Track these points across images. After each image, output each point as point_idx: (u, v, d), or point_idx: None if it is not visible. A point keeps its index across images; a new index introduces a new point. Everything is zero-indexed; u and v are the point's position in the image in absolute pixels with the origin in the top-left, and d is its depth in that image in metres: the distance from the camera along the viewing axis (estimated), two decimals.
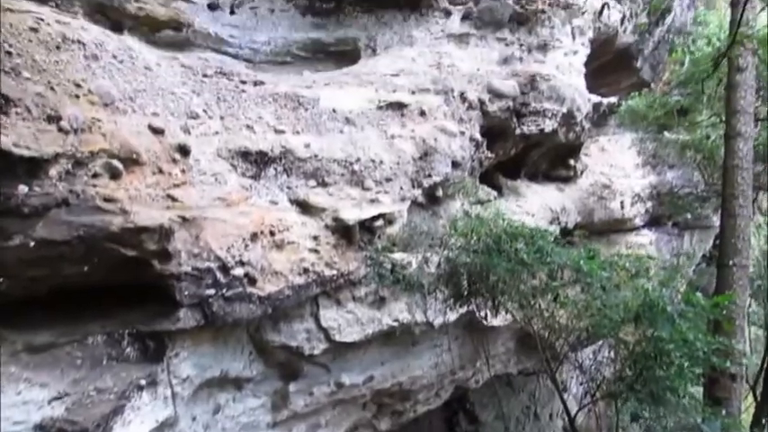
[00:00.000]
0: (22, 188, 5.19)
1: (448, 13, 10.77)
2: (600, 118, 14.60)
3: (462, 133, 10.31)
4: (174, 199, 6.71)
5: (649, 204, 15.69)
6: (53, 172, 5.48)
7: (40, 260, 5.52)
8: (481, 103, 10.74)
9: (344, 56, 10.64)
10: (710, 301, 5.78)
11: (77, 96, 5.91)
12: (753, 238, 13.33)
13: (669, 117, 12.75)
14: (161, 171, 6.71)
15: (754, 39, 8.06)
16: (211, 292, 6.90)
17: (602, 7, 7.87)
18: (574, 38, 12.06)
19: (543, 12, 11.21)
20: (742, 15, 5.11)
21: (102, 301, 6.68)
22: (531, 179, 13.89)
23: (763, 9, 9.86)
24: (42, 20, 5.92)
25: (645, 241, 16.04)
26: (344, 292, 8.86)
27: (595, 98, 13.10)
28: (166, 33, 8.33)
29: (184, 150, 7.03)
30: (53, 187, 5.48)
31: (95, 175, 5.94)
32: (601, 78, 14.46)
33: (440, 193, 10.15)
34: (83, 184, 5.75)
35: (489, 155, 11.23)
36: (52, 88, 5.66)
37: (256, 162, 7.95)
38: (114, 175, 6.13)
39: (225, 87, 8.12)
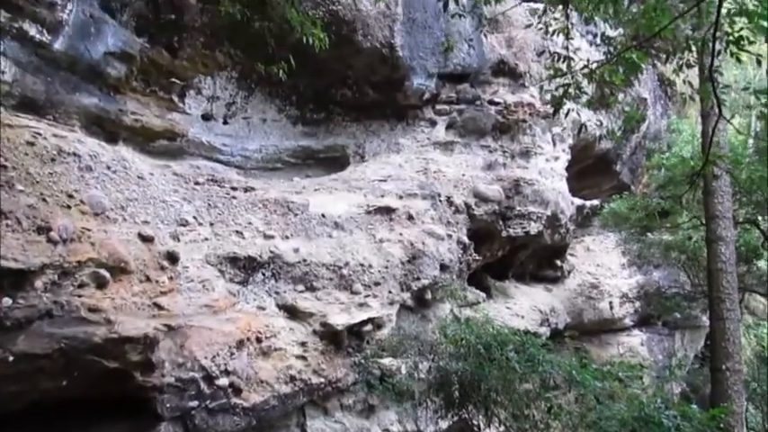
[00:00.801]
0: (6, 300, 5.11)
1: (433, 123, 11.25)
2: (584, 219, 14.93)
3: (450, 236, 10.46)
4: (160, 307, 6.64)
5: (638, 304, 15.70)
6: (39, 283, 5.43)
7: (18, 375, 5.33)
8: (468, 207, 10.99)
9: (334, 162, 10.96)
10: (707, 415, 5.64)
11: (69, 207, 5.98)
12: (744, 339, 13.26)
13: (651, 219, 13.05)
14: (148, 279, 6.69)
15: (726, 158, 8.46)
16: (194, 404, 6.65)
17: (581, 127, 8.30)
18: (555, 144, 12.57)
19: (524, 121, 11.75)
20: (713, 135, 5.43)
21: (79, 416, 6.39)
22: (519, 280, 13.94)
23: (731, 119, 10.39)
24: (39, 134, 6.09)
25: (636, 342, 15.89)
26: (332, 400, 8.58)
27: (578, 201, 13.46)
28: (161, 143, 8.56)
29: (173, 257, 7.05)
30: (38, 299, 5.41)
31: (81, 285, 5.90)
32: (582, 181, 14.93)
33: (428, 296, 10.12)
34: (68, 294, 5.70)
35: (477, 257, 11.33)
36: (44, 199, 5.73)
37: (245, 267, 7.96)
38: (101, 284, 6.09)
39: (216, 194, 8.28)
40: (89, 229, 6.02)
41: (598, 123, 13.04)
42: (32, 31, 6.58)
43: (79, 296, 5.78)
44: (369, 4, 9.23)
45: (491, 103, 11.52)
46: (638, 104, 13.90)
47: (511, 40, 11.71)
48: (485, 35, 11.15)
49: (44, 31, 6.69)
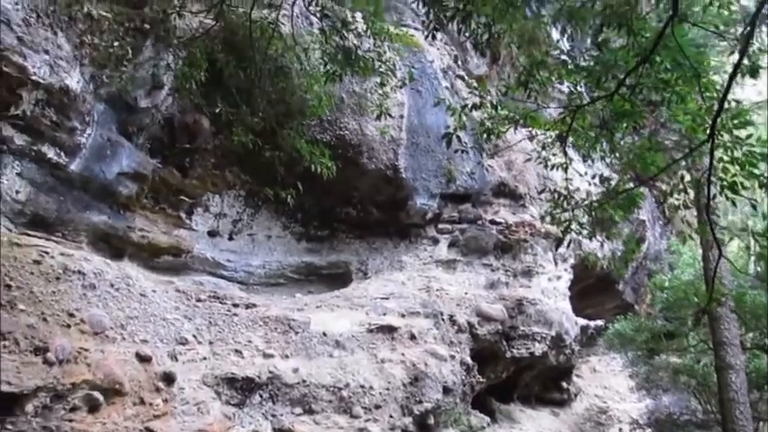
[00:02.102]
0: None
1: (435, 241, 11.38)
2: (588, 340, 14.65)
3: (453, 357, 10.22)
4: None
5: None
6: (30, 407, 5.26)
7: None
8: (470, 326, 10.84)
9: (336, 278, 10.97)
10: None
11: (69, 326, 5.92)
12: None
13: (657, 341, 12.81)
14: (142, 401, 6.48)
15: (729, 295, 8.50)
16: None
17: (583, 259, 8.46)
18: (556, 264, 12.62)
19: (525, 240, 11.88)
20: (715, 274, 5.49)
21: None
22: (525, 403, 13.43)
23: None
24: (47, 252, 6.16)
25: None
26: None
27: (582, 321, 13.29)
28: (166, 259, 8.64)
29: (169, 378, 6.87)
30: (27, 424, 5.23)
31: (73, 409, 5.72)
32: (585, 300, 14.81)
33: (431, 420, 9.70)
34: (59, 419, 5.51)
35: (480, 379, 11.00)
36: (45, 319, 5.68)
37: (242, 389, 7.72)
38: (93, 407, 5.91)
39: (217, 311, 8.22)
40: (86, 349, 5.93)
41: (599, 243, 13.16)
42: (51, 153, 6.87)
43: (70, 420, 5.59)
44: (374, 129, 9.66)
45: (492, 222, 11.72)
46: (637, 227, 14.11)
47: (510, 164, 12.13)
48: (486, 159, 11.57)
49: (62, 154, 6.98)
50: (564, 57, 5.78)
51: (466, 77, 12.39)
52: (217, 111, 6.98)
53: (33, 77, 6.50)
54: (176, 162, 8.51)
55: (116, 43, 6.71)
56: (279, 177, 7.11)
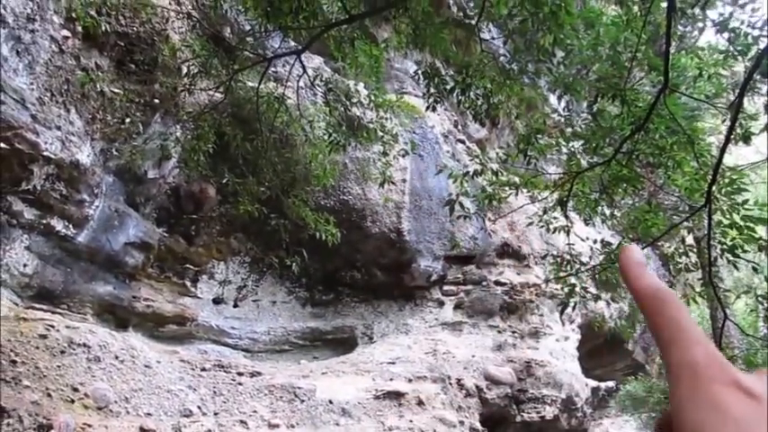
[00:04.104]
0: None
1: (441, 303, 11.32)
2: (600, 402, 14.28)
3: (462, 423, 9.98)
4: None
5: None
6: None
7: None
8: (479, 390, 10.63)
9: (342, 343, 10.85)
10: None
11: (73, 401, 5.84)
12: None
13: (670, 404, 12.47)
14: None
15: (738, 358, 8.39)
16: None
17: (589, 323, 8.43)
18: (563, 324, 12.48)
19: (531, 301, 11.81)
20: (721, 336, 5.44)
21: None
22: None
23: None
24: (53, 326, 6.15)
25: None
26: None
27: (593, 383, 13.01)
28: (170, 327, 8.60)
29: None
30: None
31: None
32: (595, 360, 14.56)
33: None
34: None
35: None
36: (49, 395, 5.62)
37: None
38: None
39: (222, 381, 8.10)
40: (90, 425, 5.82)
41: (605, 303, 13.07)
42: (59, 226, 6.97)
43: None
44: (377, 193, 9.80)
45: (497, 283, 11.69)
46: None
47: (513, 225, 12.20)
48: (489, 221, 11.65)
49: (70, 226, 7.08)
50: (561, 118, 5.94)
51: (466, 141, 12.66)
52: (224, 181, 7.12)
53: (45, 153, 6.68)
54: (182, 230, 8.60)
55: (127, 119, 6.92)
56: (284, 244, 7.17)
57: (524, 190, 5.76)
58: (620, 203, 6.47)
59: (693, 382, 0.38)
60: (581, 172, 5.23)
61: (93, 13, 5.99)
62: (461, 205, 5.79)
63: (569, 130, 5.96)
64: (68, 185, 7.04)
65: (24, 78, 6.63)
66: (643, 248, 5.70)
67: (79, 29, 6.85)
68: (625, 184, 5.20)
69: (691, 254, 5.80)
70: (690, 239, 7.28)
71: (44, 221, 6.83)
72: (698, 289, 6.78)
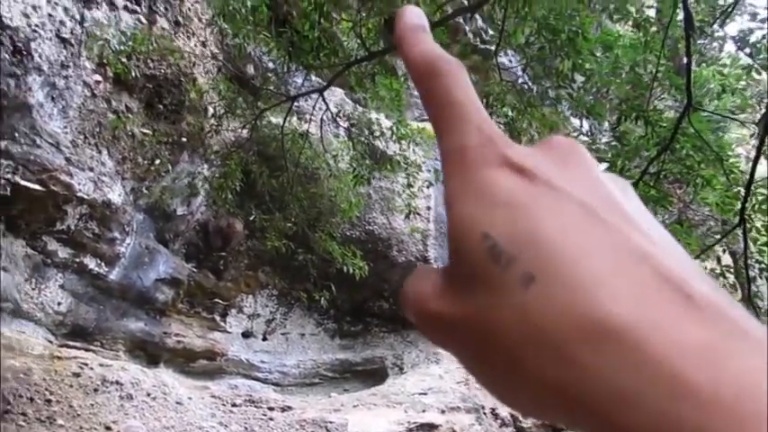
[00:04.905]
0: None
1: None
2: None
3: None
4: None
5: None
6: None
7: None
8: (514, 419, 10.38)
9: (372, 374, 10.74)
10: None
11: None
12: None
13: None
14: None
15: None
16: None
17: None
18: None
19: None
20: None
21: None
22: None
23: None
24: (86, 364, 6.25)
25: None
26: None
27: None
28: (200, 362, 8.64)
29: None
30: None
31: None
32: None
33: None
34: None
35: None
36: None
37: None
38: None
39: (252, 416, 8.08)
40: None
41: None
42: (92, 264, 7.13)
43: None
44: (402, 222, 9.81)
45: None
46: None
47: None
48: None
49: (102, 264, 7.24)
50: (584, 139, 5.89)
51: None
52: (251, 218, 7.22)
53: (78, 194, 6.88)
54: (211, 265, 8.71)
55: (156, 161, 7.09)
56: (311, 278, 7.20)
57: None
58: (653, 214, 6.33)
59: (462, 169, 0.32)
60: None
61: (123, 59, 6.21)
62: None
63: (593, 151, 5.90)
64: (101, 224, 7.21)
65: (59, 122, 6.87)
66: None
67: (110, 73, 7.10)
68: (654, 205, 5.11)
69: (728, 274, 5.63)
70: (726, 257, 7.07)
71: (77, 260, 6.99)
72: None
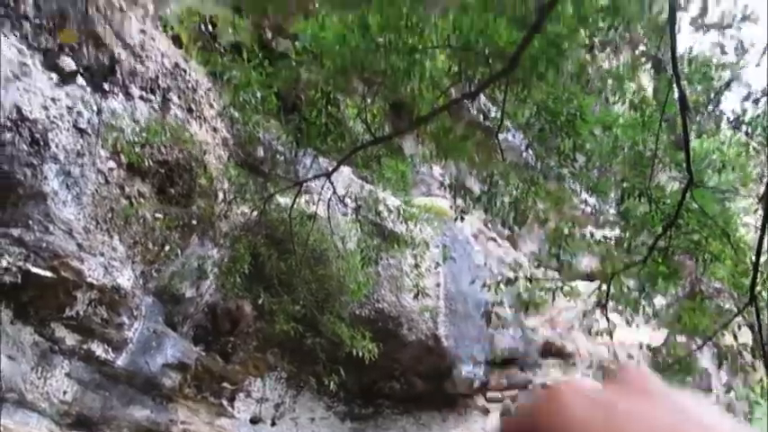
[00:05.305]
0: None
1: (486, 411, 10.85)
2: None
3: None
4: None
5: None
6: None
7: None
8: None
9: None
10: None
11: None
12: None
13: None
14: None
15: None
16: None
17: None
18: None
19: None
20: None
21: None
22: None
23: None
24: None
25: None
26: None
27: None
28: None
29: None
30: None
31: None
32: None
33: None
34: None
35: None
36: None
37: None
38: None
39: None
40: None
41: None
42: (99, 350, 7.06)
43: None
44: (411, 299, 9.73)
45: (544, 386, 11.18)
46: (701, 377, 13.25)
47: (553, 321, 11.88)
48: (527, 317, 11.39)
49: (110, 350, 7.16)
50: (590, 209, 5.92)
51: (497, 239, 12.65)
52: (259, 302, 7.20)
53: (89, 279, 6.91)
54: (219, 348, 8.60)
55: (166, 247, 7.17)
56: (321, 361, 7.09)
57: (561, 294, 5.66)
58: (663, 293, 6.28)
59: None
60: (616, 273, 5.15)
61: (137, 149, 6.42)
62: (497, 316, 5.70)
63: (598, 229, 5.93)
64: (109, 309, 7.20)
65: (72, 209, 7.01)
66: (691, 353, 5.47)
67: (124, 160, 7.31)
68: (664, 282, 5.07)
69: (745, 353, 5.51)
70: (744, 331, 6.93)
71: (85, 347, 6.93)
72: (757, 390, 6.36)
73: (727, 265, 5.03)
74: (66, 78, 6.69)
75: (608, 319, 5.52)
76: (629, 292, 5.38)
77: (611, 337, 5.49)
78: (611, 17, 4.36)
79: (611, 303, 5.53)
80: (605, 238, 5.47)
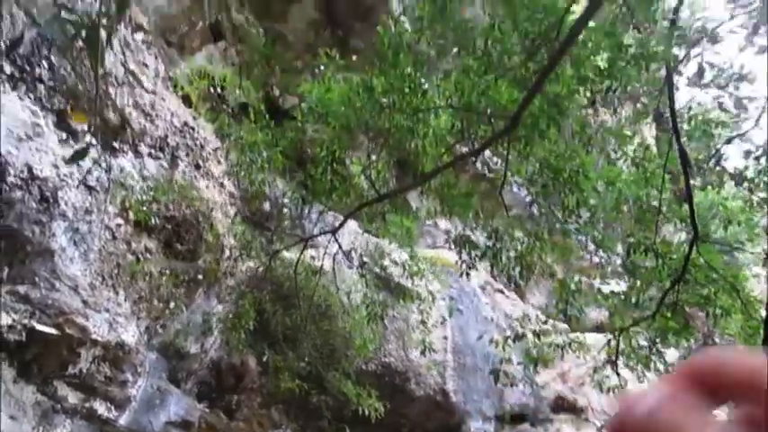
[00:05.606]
0: None
1: None
2: None
3: None
4: None
5: None
6: None
7: None
8: None
9: None
10: None
11: None
12: None
13: None
14: None
15: None
16: None
17: None
18: None
19: None
20: None
21: None
22: None
23: None
24: None
25: None
26: None
27: None
28: None
29: None
30: None
31: None
32: None
33: None
34: None
35: None
36: None
37: None
38: None
39: None
40: None
41: None
42: (101, 409, 6.95)
43: None
44: (419, 354, 9.59)
45: None
46: None
47: (564, 375, 11.63)
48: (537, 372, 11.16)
49: (112, 408, 7.05)
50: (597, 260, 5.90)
51: (505, 291, 12.55)
52: (264, 359, 7.13)
53: (93, 336, 6.87)
54: (223, 405, 8.45)
55: (171, 303, 7.16)
56: (327, 420, 6.96)
57: (570, 350, 5.58)
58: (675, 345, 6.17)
59: None
60: (625, 329, 5.09)
61: (144, 208, 6.49)
62: (506, 374, 5.62)
63: (606, 280, 5.89)
64: (113, 366, 7.12)
65: (79, 265, 7.03)
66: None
67: (132, 217, 7.38)
68: (675, 338, 5.00)
69: None
70: None
71: (87, 405, 6.83)
72: None
73: (737, 319, 4.96)
74: (77, 138, 6.84)
75: (618, 374, 5.42)
76: (640, 348, 5.30)
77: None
78: (609, 79, 4.47)
79: (621, 359, 5.44)
80: (613, 292, 5.42)
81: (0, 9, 5.52)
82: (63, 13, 3.21)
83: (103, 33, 3.16)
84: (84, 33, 3.02)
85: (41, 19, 5.60)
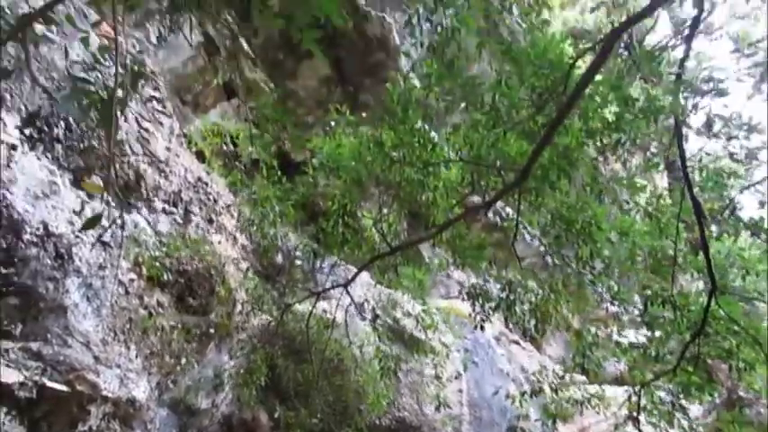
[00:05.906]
0: None
1: None
2: None
3: None
4: None
5: None
6: None
7: None
8: None
9: None
10: None
11: None
12: None
13: None
14: None
15: None
16: None
17: None
18: None
19: None
20: None
21: None
22: None
23: None
24: None
25: None
26: None
27: None
28: None
29: None
30: None
31: None
32: None
33: None
34: None
35: None
36: None
37: None
38: None
39: None
40: None
41: None
42: None
43: None
44: (433, 408, 9.37)
45: None
46: None
47: (585, 431, 11.27)
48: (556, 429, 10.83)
49: None
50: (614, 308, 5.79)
51: (520, 342, 12.33)
52: (276, 415, 7.00)
53: (104, 393, 6.78)
54: None
55: (183, 359, 7.11)
56: None
57: (590, 405, 5.42)
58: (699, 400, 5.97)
59: None
60: (646, 383, 4.94)
61: (157, 263, 6.53)
62: (524, 431, 5.45)
63: (624, 330, 5.77)
64: (123, 423, 7.01)
65: (91, 321, 7.01)
66: None
67: (144, 271, 7.41)
68: (699, 394, 4.84)
69: None
70: None
71: None
72: None
73: (761, 373, 4.81)
74: (93, 195, 6.95)
75: (641, 431, 5.23)
76: (662, 403, 5.13)
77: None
78: (617, 132, 4.50)
79: (643, 415, 5.27)
80: (632, 344, 5.31)
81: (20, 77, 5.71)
82: (78, 84, 3.30)
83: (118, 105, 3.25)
84: (99, 106, 3.11)
85: (57, 94, 5.76)
